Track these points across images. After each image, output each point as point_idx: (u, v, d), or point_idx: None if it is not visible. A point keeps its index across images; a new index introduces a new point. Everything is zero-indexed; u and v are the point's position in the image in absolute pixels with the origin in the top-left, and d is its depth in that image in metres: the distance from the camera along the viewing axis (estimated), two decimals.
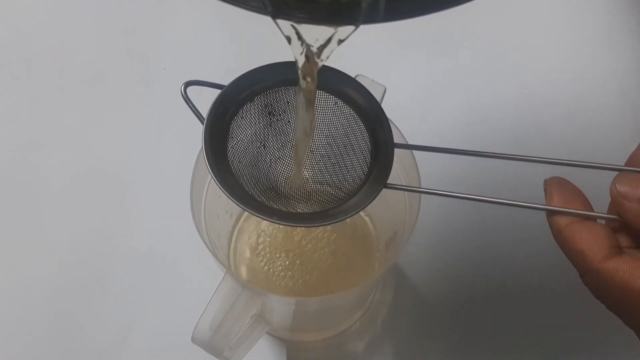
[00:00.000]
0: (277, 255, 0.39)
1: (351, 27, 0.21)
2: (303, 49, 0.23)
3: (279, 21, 0.21)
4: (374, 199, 0.26)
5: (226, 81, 0.28)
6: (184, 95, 0.28)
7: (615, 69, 0.51)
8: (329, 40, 0.22)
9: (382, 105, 0.29)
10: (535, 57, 0.52)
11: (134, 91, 0.50)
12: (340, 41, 0.22)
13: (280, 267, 0.39)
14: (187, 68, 0.50)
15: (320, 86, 0.28)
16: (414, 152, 0.31)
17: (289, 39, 0.23)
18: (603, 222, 0.25)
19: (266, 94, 0.28)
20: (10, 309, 0.40)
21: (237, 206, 0.25)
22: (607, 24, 0.54)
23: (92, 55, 0.51)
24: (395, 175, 0.34)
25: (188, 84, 0.28)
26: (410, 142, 0.31)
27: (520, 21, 0.53)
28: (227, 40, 0.50)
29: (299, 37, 0.22)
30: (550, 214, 0.25)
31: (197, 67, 0.50)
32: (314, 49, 0.23)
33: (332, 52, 0.23)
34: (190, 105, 0.28)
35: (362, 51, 0.41)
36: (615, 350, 0.40)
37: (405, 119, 0.32)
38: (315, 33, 0.22)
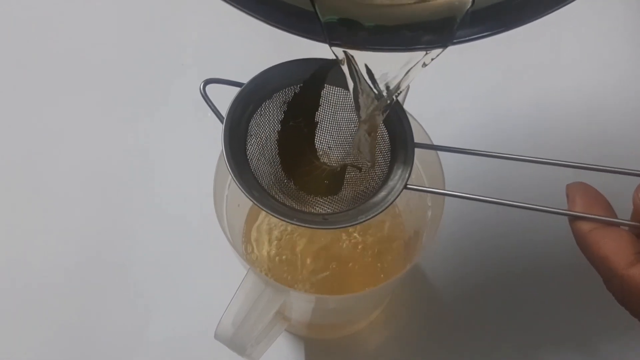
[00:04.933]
0: (297, 253, 0.40)
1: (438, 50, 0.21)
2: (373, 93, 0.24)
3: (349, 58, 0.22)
4: (394, 200, 0.27)
5: (246, 78, 0.28)
6: (203, 94, 0.28)
7: (637, 69, 0.51)
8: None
9: (405, 104, 0.29)
10: (556, 57, 0.52)
11: (154, 86, 0.51)
12: (425, 65, 0.23)
13: (300, 264, 0.40)
14: (207, 64, 0.51)
15: (339, 83, 0.29)
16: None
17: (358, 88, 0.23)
18: (626, 228, 0.25)
19: (285, 91, 0.29)
20: (25, 305, 0.42)
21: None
22: (626, 24, 0.54)
23: (111, 51, 0.53)
24: (419, 176, 0.34)
25: (207, 82, 0.28)
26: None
27: (541, 22, 0.53)
28: (247, 35, 0.51)
29: (371, 79, 0.23)
30: (573, 219, 0.25)
31: (217, 63, 0.51)
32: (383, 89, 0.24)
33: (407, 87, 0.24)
34: (209, 103, 0.28)
35: None
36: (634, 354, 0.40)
37: (426, 118, 0.32)
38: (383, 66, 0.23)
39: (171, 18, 0.54)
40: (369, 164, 0.30)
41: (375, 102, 0.25)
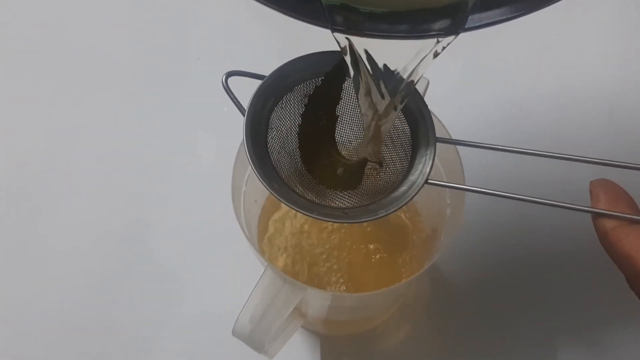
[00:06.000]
0: (314, 249, 0.40)
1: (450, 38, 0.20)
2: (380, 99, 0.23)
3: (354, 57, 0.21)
4: (415, 195, 0.27)
5: (261, 72, 0.28)
6: (225, 86, 0.28)
7: None
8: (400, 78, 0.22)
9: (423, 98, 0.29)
10: (578, 50, 0.52)
11: (169, 82, 0.51)
12: (436, 54, 0.22)
13: (317, 261, 0.40)
14: (222, 58, 0.52)
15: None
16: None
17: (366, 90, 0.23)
18: None
19: (306, 84, 0.29)
20: (39, 300, 0.43)
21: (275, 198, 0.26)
22: None
23: (126, 46, 0.53)
24: (438, 172, 0.34)
25: (229, 74, 0.28)
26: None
27: (560, 12, 0.53)
28: (263, 29, 0.52)
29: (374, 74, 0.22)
30: (596, 216, 0.25)
31: (232, 57, 0.51)
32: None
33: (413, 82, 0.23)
34: (231, 96, 0.28)
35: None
36: None
37: (444, 112, 0.32)
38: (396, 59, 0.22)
39: (185, 12, 0.54)
40: (374, 160, 0.30)
41: (381, 99, 0.24)
